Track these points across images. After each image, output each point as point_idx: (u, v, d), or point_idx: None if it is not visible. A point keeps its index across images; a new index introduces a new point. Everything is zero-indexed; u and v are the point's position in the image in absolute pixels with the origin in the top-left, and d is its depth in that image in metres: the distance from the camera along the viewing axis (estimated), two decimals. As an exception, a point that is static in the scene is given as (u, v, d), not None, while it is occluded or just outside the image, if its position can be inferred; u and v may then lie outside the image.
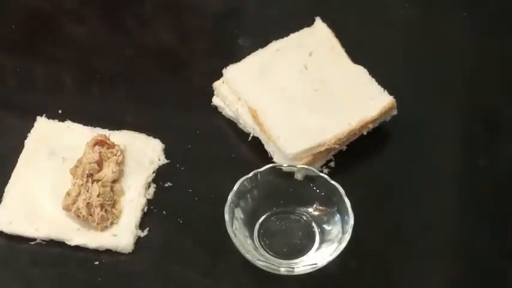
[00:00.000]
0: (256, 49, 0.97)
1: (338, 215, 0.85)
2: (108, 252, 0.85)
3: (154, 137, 0.93)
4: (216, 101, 0.96)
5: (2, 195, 0.88)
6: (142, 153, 0.91)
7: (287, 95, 0.93)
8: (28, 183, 0.88)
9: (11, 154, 0.91)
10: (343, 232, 0.83)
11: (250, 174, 0.86)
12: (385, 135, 0.94)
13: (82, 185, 0.86)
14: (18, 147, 0.91)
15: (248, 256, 0.82)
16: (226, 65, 0.95)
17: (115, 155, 0.89)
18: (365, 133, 0.92)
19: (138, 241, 0.86)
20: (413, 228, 0.89)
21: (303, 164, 0.88)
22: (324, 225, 0.86)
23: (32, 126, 0.93)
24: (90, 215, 0.85)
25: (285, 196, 0.88)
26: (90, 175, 0.86)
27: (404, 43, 1.03)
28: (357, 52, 0.96)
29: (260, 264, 0.82)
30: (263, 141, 0.92)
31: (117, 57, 1.00)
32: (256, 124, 0.91)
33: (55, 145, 0.91)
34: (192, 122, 0.95)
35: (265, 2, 1.08)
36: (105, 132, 0.91)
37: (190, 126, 0.95)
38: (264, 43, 0.97)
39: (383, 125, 0.93)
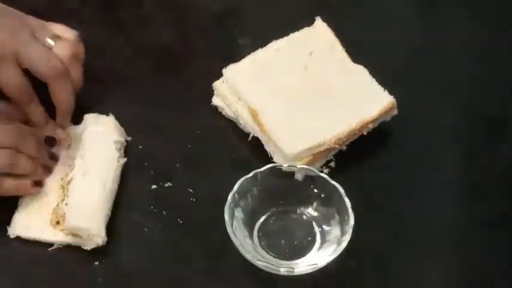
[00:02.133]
0: (256, 49, 0.97)
1: (338, 215, 0.85)
2: (108, 252, 0.85)
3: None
4: (216, 101, 0.96)
5: (18, 200, 0.88)
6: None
7: (287, 95, 0.93)
8: (45, 187, 0.89)
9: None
10: (343, 232, 0.83)
11: (250, 174, 0.86)
12: (385, 135, 0.94)
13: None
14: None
15: (248, 256, 0.82)
16: (226, 65, 0.95)
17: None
18: (365, 133, 0.92)
19: (138, 241, 0.86)
20: (413, 228, 0.89)
21: (303, 164, 0.88)
22: (324, 226, 0.86)
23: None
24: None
25: (285, 196, 0.88)
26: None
27: (404, 43, 1.03)
28: (357, 52, 0.96)
29: (260, 264, 0.82)
30: (263, 141, 0.92)
31: (117, 57, 1.00)
32: (256, 124, 0.91)
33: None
34: (192, 122, 0.95)
35: (265, 2, 1.08)
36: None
37: (190, 126, 0.95)
38: (264, 43, 0.97)
39: (383, 125, 0.93)
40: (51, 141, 0.90)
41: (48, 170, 0.89)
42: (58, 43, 0.89)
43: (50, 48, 0.88)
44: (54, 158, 0.90)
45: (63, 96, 0.89)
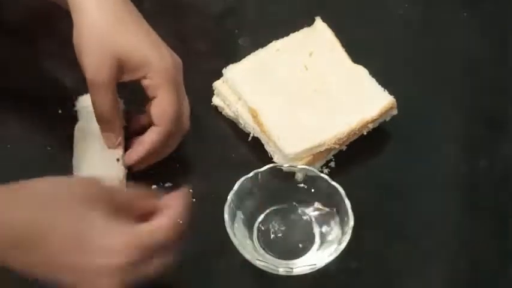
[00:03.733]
0: (256, 49, 0.97)
1: (338, 215, 0.85)
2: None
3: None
4: (216, 101, 0.96)
5: None
6: None
7: (287, 95, 0.93)
8: None
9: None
10: (343, 233, 0.83)
11: (250, 174, 0.86)
12: (385, 135, 0.94)
13: None
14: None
15: (248, 256, 0.82)
16: (226, 65, 0.95)
17: None
18: (365, 133, 0.92)
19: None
20: (414, 228, 0.89)
21: (303, 164, 0.88)
22: (324, 226, 0.86)
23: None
24: None
25: (285, 196, 0.88)
26: None
27: (404, 43, 1.03)
28: (357, 52, 0.96)
29: (259, 264, 0.82)
30: (263, 141, 0.92)
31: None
32: (256, 124, 0.91)
33: None
34: (192, 122, 0.95)
35: (265, 2, 1.07)
36: None
37: (190, 126, 0.95)
38: (264, 43, 0.97)
39: (383, 125, 0.93)
40: None
41: None
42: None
43: None
44: None
45: None
